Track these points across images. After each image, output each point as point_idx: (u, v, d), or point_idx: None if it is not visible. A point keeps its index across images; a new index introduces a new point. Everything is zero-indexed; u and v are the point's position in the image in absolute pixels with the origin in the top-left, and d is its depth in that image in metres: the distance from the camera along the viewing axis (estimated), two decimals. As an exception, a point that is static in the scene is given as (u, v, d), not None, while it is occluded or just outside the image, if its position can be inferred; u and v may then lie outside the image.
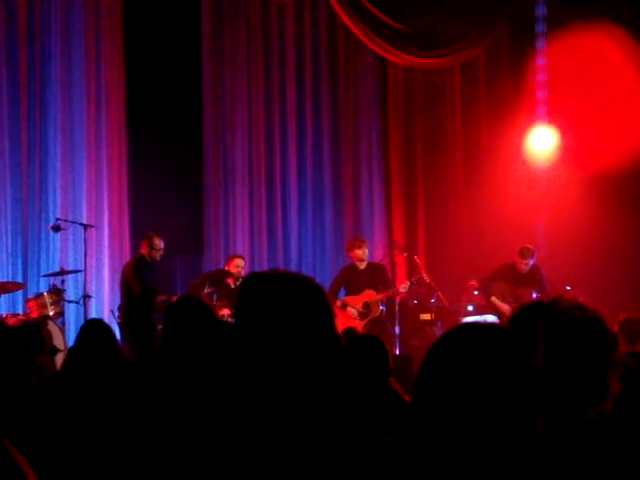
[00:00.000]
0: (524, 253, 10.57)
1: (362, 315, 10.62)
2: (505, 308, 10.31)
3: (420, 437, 1.80)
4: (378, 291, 10.65)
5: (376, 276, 10.83)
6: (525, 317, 2.15)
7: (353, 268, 10.93)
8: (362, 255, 10.82)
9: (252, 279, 2.13)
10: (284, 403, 2.00)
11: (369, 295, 10.65)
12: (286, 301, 2.06)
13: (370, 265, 10.95)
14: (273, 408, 2.00)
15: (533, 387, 1.78)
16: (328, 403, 2.01)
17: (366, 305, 10.62)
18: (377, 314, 10.65)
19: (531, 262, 10.58)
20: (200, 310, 3.77)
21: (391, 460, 1.92)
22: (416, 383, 1.86)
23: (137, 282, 10.03)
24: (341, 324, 9.61)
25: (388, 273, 11.12)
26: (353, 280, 10.81)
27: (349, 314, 10.58)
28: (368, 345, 4.72)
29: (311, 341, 2.04)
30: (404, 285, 10.71)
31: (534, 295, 10.20)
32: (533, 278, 10.57)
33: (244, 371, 2.03)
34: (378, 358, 4.66)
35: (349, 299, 10.75)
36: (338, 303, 10.63)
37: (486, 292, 10.75)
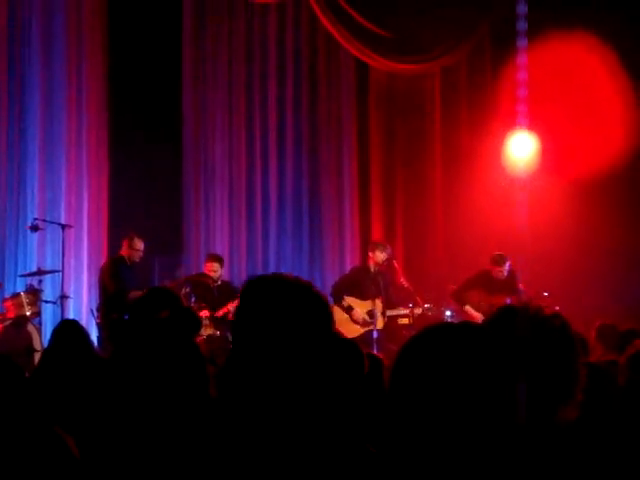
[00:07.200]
0: (498, 260, 10.39)
1: (365, 323, 10.25)
2: (477, 316, 10.02)
3: (399, 439, 1.79)
4: (390, 301, 10.31)
5: (389, 284, 10.48)
6: (500, 320, 2.16)
7: (365, 270, 10.56)
8: (382, 259, 10.43)
9: (256, 282, 2.14)
10: (277, 408, 1.99)
11: (378, 304, 10.27)
12: (288, 307, 2.06)
13: (382, 271, 10.49)
14: (264, 412, 1.99)
15: (511, 384, 1.77)
16: (320, 411, 2.01)
17: (372, 314, 10.26)
18: (380, 327, 10.26)
19: (506, 268, 10.46)
20: (169, 301, 3.70)
21: (377, 472, 1.91)
22: (390, 383, 1.86)
23: (112, 281, 10.00)
24: (342, 327, 9.44)
25: (405, 283, 10.59)
26: (363, 283, 10.37)
27: (354, 317, 10.23)
28: (343, 349, 4.59)
29: (307, 347, 2.04)
30: (426, 307, 10.31)
31: (508, 301, 10.08)
32: (509, 284, 10.44)
33: (240, 373, 2.03)
34: (353, 363, 4.51)
35: (354, 302, 10.34)
36: (344, 303, 10.25)
37: (460, 301, 10.58)
